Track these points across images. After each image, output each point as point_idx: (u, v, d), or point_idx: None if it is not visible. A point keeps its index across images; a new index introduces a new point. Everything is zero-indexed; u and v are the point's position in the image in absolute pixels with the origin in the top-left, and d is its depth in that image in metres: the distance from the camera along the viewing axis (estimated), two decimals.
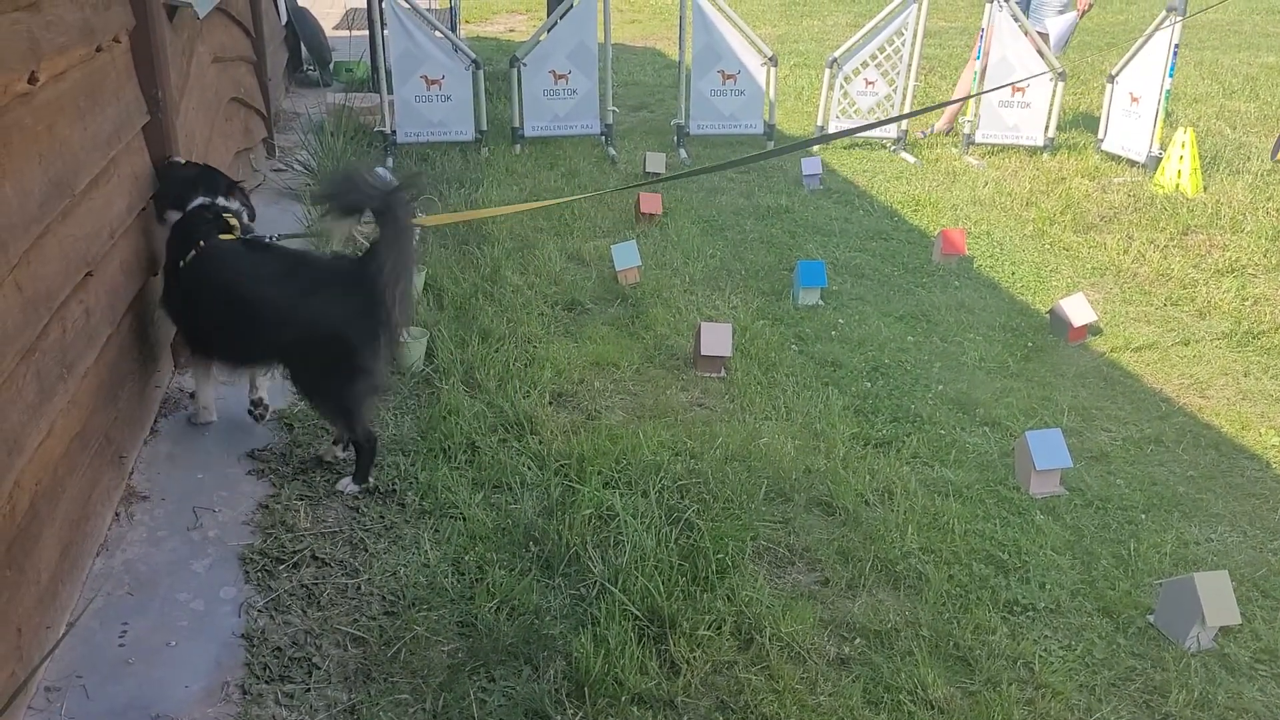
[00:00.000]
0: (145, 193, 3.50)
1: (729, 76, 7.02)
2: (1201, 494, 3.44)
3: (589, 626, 2.69)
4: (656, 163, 6.50)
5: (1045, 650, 2.71)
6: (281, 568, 2.90)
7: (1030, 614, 2.85)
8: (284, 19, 8.09)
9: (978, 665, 2.65)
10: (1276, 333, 4.58)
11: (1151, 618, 2.83)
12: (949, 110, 7.76)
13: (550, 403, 3.80)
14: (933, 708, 2.51)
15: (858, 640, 2.73)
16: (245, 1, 6.07)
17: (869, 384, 4.06)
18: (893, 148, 7.26)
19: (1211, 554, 3.13)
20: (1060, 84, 7.04)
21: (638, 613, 2.72)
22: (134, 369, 3.31)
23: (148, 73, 3.49)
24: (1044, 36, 7.09)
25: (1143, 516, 3.30)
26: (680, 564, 2.90)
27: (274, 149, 6.58)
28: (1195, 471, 3.56)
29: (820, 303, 4.76)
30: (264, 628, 2.68)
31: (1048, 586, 2.95)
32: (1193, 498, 3.41)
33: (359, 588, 2.85)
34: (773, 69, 7.00)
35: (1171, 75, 6.54)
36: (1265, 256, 5.39)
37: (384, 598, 2.81)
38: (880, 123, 7.07)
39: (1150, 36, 6.66)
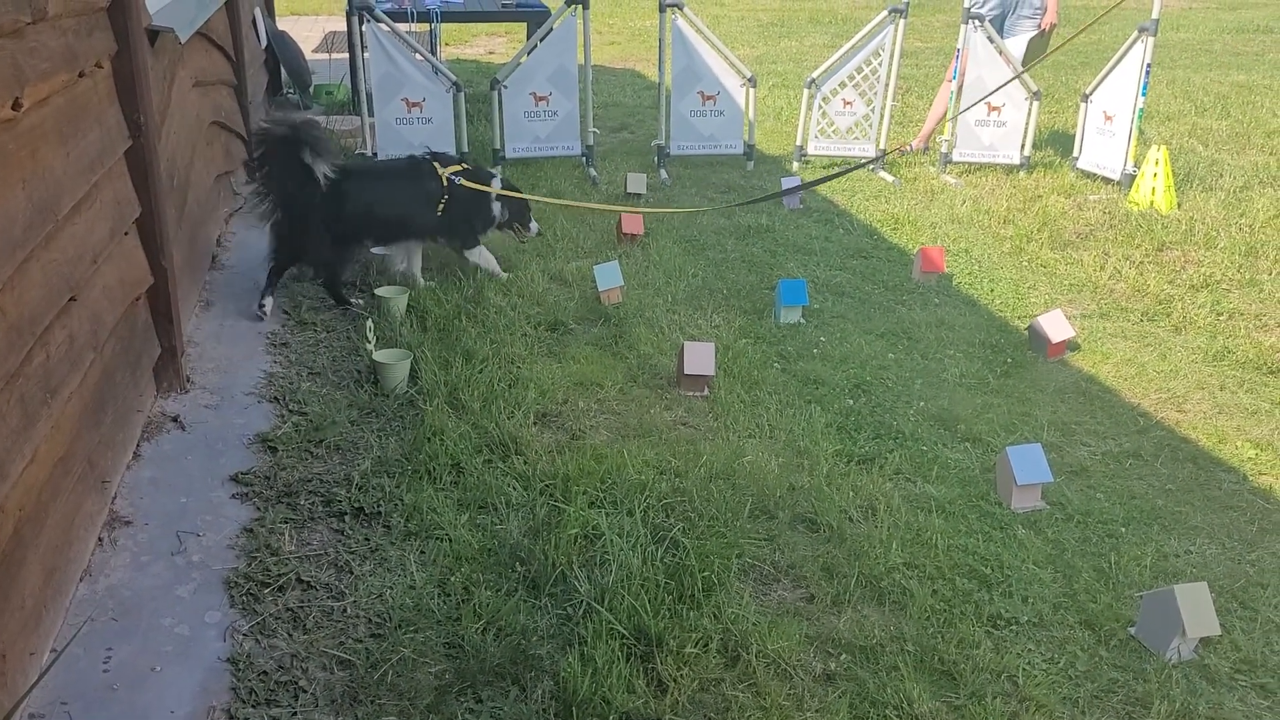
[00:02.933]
0: (128, 217, 3.50)
1: (708, 97, 7.08)
2: (1180, 507, 3.48)
3: (576, 646, 2.70)
4: (638, 183, 6.54)
5: (1029, 663, 2.74)
6: (266, 591, 2.89)
7: (1014, 627, 2.87)
8: (264, 42, 8.11)
9: (962, 679, 2.67)
10: (1251, 346, 4.64)
11: (1133, 630, 2.86)
12: (925, 129, 7.85)
13: (535, 423, 3.81)
14: None
15: (843, 656, 2.74)
16: (226, 26, 6.09)
17: (851, 401, 4.09)
18: (872, 167, 7.33)
19: (1191, 566, 3.17)
20: (1036, 103, 7.14)
21: (624, 631, 2.73)
22: (117, 394, 3.30)
23: (129, 98, 3.50)
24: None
25: (1123, 530, 3.33)
26: (666, 582, 2.91)
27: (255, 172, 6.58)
28: (1174, 485, 3.61)
29: (802, 321, 4.80)
30: (249, 652, 2.67)
31: (1030, 600, 2.97)
32: (1171, 511, 3.45)
33: (345, 610, 2.84)
34: (752, 90, 7.06)
35: (1144, 94, 6.64)
36: (1239, 271, 5.47)
37: (370, 620, 2.81)
38: (861, 164, 7.13)
39: (1123, 56, 6.76)
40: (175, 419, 3.74)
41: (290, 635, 2.75)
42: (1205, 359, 4.55)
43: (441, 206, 4.82)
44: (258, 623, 2.78)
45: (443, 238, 5.02)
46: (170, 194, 4.00)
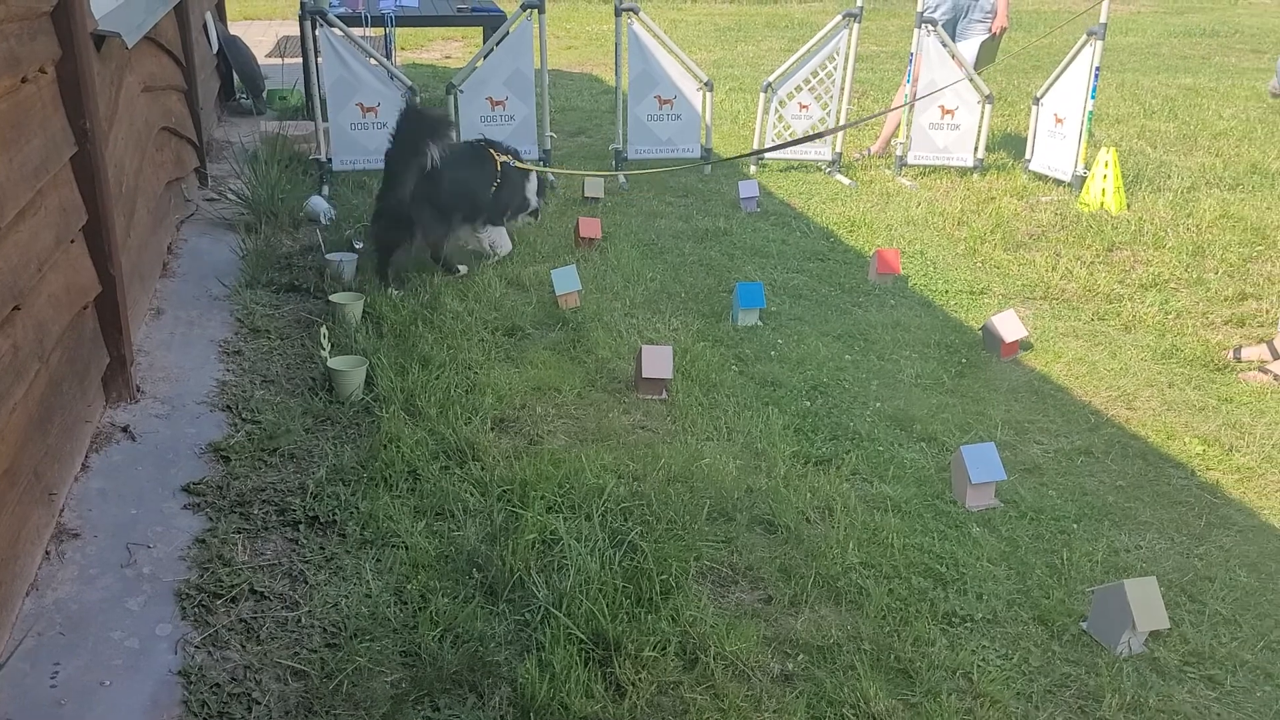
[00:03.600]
0: (74, 224, 3.44)
1: (665, 101, 7.10)
2: (1130, 503, 3.53)
3: (534, 652, 2.69)
4: (595, 187, 6.54)
5: (983, 660, 2.77)
6: (219, 602, 2.85)
7: (968, 625, 2.90)
8: (215, 47, 8.02)
9: (918, 677, 2.69)
10: (1198, 344, 4.73)
11: (1084, 625, 2.90)
12: (884, 134, 7.92)
13: (492, 429, 3.79)
14: None
15: (801, 656, 2.76)
16: (175, 30, 6.02)
17: (808, 403, 4.11)
18: (828, 170, 7.39)
19: (1140, 561, 3.22)
20: (988, 106, 7.23)
21: (583, 636, 2.72)
22: (64, 404, 3.24)
23: (75, 104, 3.44)
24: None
25: (1075, 526, 3.38)
26: (625, 586, 2.91)
27: (206, 178, 6.51)
28: (1124, 481, 3.66)
29: (759, 323, 4.82)
30: (201, 664, 2.64)
31: (985, 597, 3.01)
32: (1122, 506, 3.51)
33: (299, 620, 2.81)
34: (708, 94, 7.09)
35: (1094, 97, 6.75)
36: (1186, 271, 5.57)
37: (325, 630, 2.78)
38: (825, 133, 7.18)
39: (1072, 60, 6.87)
40: (125, 429, 3.68)
41: (243, 646, 2.71)
42: (1154, 357, 4.63)
43: (495, 188, 5.35)
44: (210, 634, 2.74)
45: (483, 217, 5.44)
46: (119, 201, 3.94)
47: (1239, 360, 4.59)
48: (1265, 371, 4.42)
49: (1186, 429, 4.01)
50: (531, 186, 5.69)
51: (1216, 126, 8.90)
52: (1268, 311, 5.05)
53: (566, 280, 4.86)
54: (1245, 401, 4.25)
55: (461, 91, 6.73)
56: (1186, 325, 4.96)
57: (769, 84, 7.23)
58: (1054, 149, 7.10)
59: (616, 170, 7.13)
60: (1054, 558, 3.20)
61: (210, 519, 3.22)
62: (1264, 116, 9.22)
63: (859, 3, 7.00)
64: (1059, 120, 7.02)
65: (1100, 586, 2.91)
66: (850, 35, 7.01)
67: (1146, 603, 2.77)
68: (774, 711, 2.57)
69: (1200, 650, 2.83)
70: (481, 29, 8.73)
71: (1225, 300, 5.23)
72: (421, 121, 5.05)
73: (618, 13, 6.89)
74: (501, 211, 5.51)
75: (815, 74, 7.15)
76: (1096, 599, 2.88)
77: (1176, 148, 8.23)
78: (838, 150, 7.35)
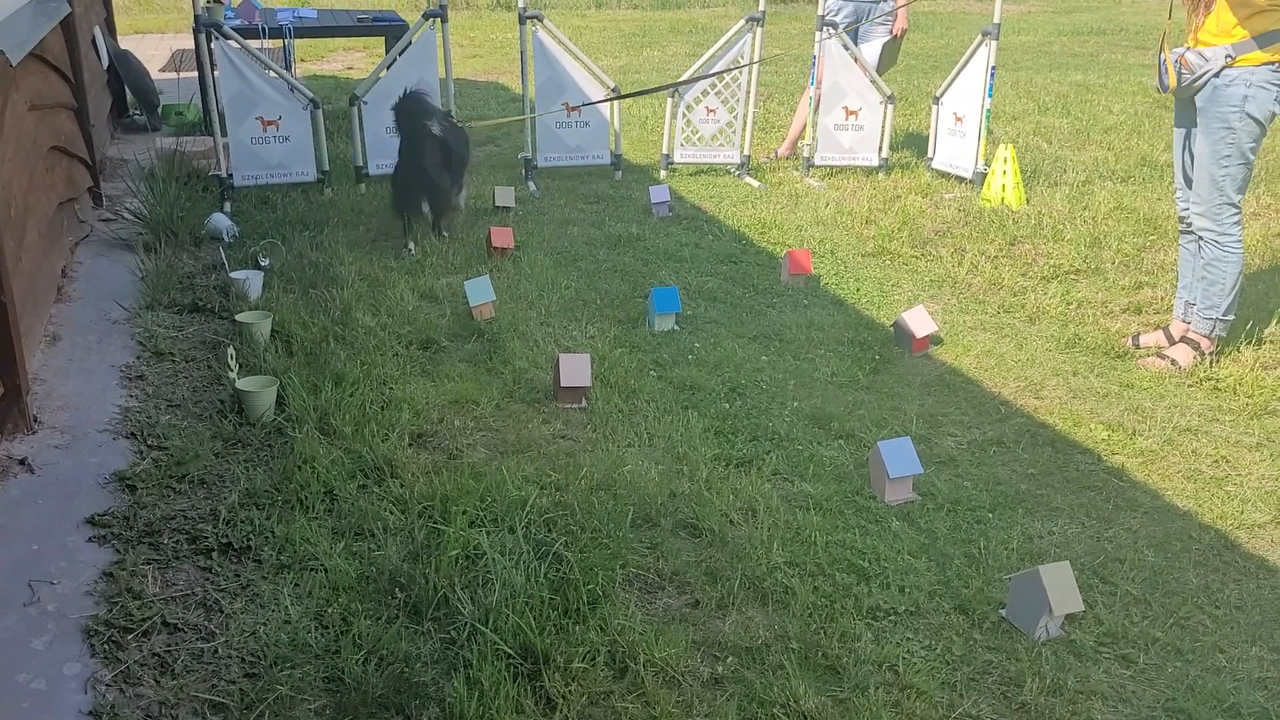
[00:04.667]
0: None
1: (573, 109, 7.08)
2: (1041, 490, 3.63)
3: (461, 670, 2.65)
4: (506, 196, 6.50)
5: (908, 652, 2.81)
6: (130, 637, 2.75)
7: (892, 618, 2.94)
8: (106, 63, 7.76)
9: (846, 672, 2.72)
10: (1099, 333, 4.88)
11: (1003, 612, 2.97)
12: (790, 136, 8.02)
13: (410, 444, 3.73)
14: (805, 718, 2.56)
15: (730, 659, 2.76)
16: (62, 46, 5.80)
17: (727, 405, 4.13)
18: (736, 173, 7.45)
19: (1054, 546, 3.30)
20: (890, 106, 7.37)
21: (510, 651, 2.69)
22: None
23: None
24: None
25: (990, 515, 3.45)
26: (551, 598, 2.88)
27: (101, 198, 6.29)
28: (1035, 469, 3.76)
29: (676, 328, 4.84)
30: (114, 703, 2.53)
31: (907, 590, 3.05)
32: (1034, 494, 3.60)
33: (216, 651, 2.72)
34: (616, 100, 7.09)
35: (990, 95, 6.93)
36: (1085, 262, 5.76)
37: (243, 659, 2.70)
38: None
39: (969, 59, 7.05)
40: (22, 461, 3.53)
41: (158, 682, 2.61)
42: (1058, 347, 4.77)
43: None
44: (121, 671, 2.64)
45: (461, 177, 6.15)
46: (8, 224, 3.78)
47: (1138, 347, 4.76)
48: (1163, 357, 4.58)
49: (1092, 415, 4.14)
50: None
51: (1107, 121, 9.23)
52: (1162, 299, 5.25)
53: (480, 291, 4.81)
54: (1145, 387, 4.40)
55: (365, 103, 6.62)
56: (1087, 315, 5.11)
57: (676, 89, 7.27)
58: (955, 147, 7.27)
59: (527, 180, 7.09)
60: (971, 547, 3.27)
61: (117, 551, 3.11)
62: (1150, 111, 9.59)
63: (761, 7, 7.08)
64: (958, 119, 7.20)
65: (1016, 574, 2.98)
66: (754, 39, 7.08)
67: (1061, 587, 2.85)
68: (705, 716, 2.57)
69: (1114, 631, 2.92)
70: (384, 39, 8.62)
71: (1123, 289, 5.42)
72: (421, 101, 5.80)
73: (522, 20, 6.85)
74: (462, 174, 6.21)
75: (721, 78, 7.21)
76: (1014, 586, 2.95)
77: (1070, 143, 8.51)
78: (746, 153, 7.42)
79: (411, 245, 5.68)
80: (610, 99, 6.94)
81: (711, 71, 7.10)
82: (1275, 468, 3.78)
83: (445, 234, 5.98)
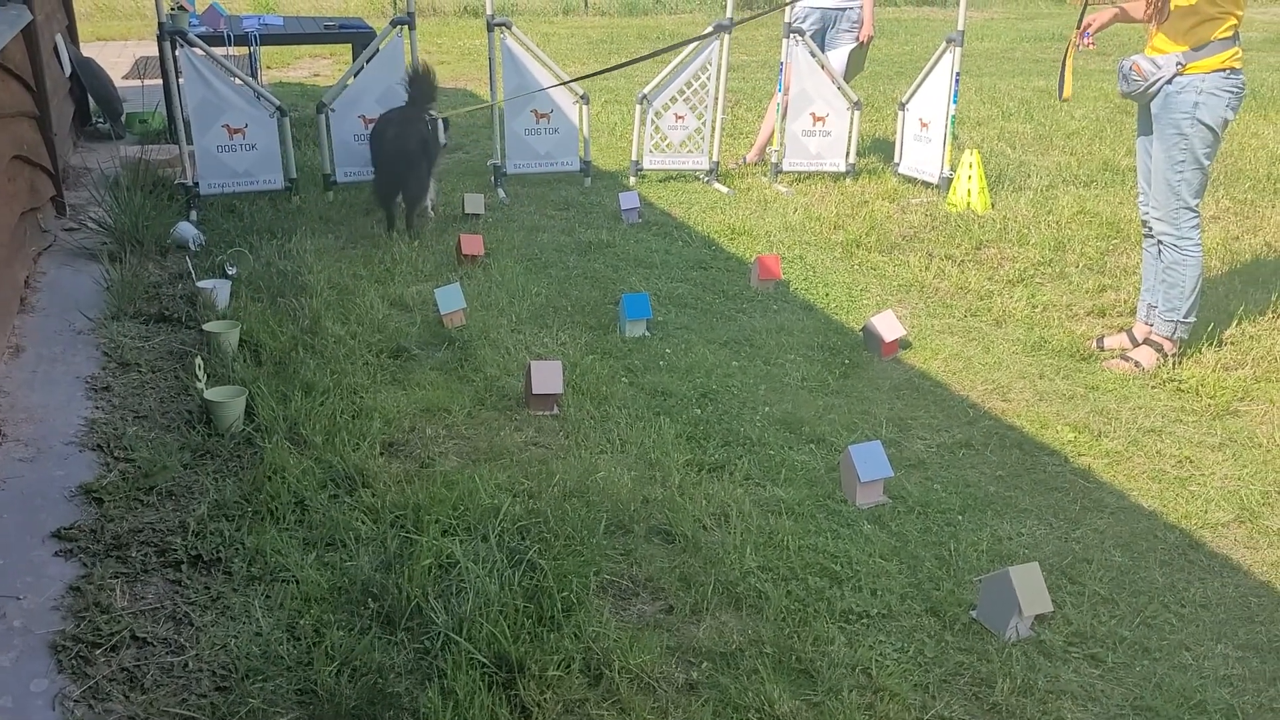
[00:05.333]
0: None
1: (542, 116, 7.09)
2: (1010, 492, 3.67)
3: (435, 680, 2.64)
4: (475, 203, 6.49)
5: (881, 654, 2.83)
6: (98, 652, 2.72)
7: (865, 621, 2.97)
8: (68, 70, 7.67)
9: (819, 676, 2.73)
10: (1064, 335, 4.95)
11: (974, 613, 3.00)
12: (758, 142, 8.06)
13: (381, 454, 3.71)
14: None
15: (704, 664, 2.77)
16: (24, 54, 5.73)
17: (699, 410, 4.15)
18: (706, 179, 7.48)
19: (1023, 548, 3.34)
20: (857, 112, 7.43)
21: (485, 660, 2.69)
22: None
23: None
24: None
25: (960, 518, 3.49)
26: (525, 606, 2.88)
27: (65, 207, 6.21)
28: (1003, 471, 3.80)
29: (647, 334, 4.85)
30: (82, 719, 2.50)
31: (879, 593, 3.08)
32: (1003, 496, 3.64)
33: (186, 665, 2.70)
34: (585, 107, 7.10)
35: (955, 101, 7.01)
36: (1049, 266, 5.83)
37: (214, 673, 2.67)
38: None
39: (934, 66, 7.12)
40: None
41: (127, 697, 2.59)
42: (1025, 349, 4.83)
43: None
44: (90, 687, 2.61)
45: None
46: None
47: (1102, 349, 4.82)
48: (1126, 359, 4.65)
49: (1058, 417, 4.19)
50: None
51: (1069, 127, 9.35)
52: (1125, 301, 5.32)
53: (451, 299, 4.80)
54: (1110, 389, 4.46)
55: (333, 110, 6.59)
56: (1053, 318, 5.18)
57: (644, 96, 7.29)
58: (921, 152, 7.34)
59: (496, 187, 7.08)
60: (942, 549, 3.30)
61: (85, 565, 3.07)
62: (1111, 116, 9.72)
63: (729, 14, 7.12)
64: (924, 124, 7.27)
65: (986, 575, 3.01)
66: (721, 46, 7.12)
67: (1031, 588, 2.88)
68: None
69: (1083, 630, 2.95)
70: (351, 46, 8.58)
71: (1087, 292, 5.49)
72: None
73: (490, 27, 6.85)
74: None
75: (689, 85, 7.24)
76: (984, 587, 2.98)
77: (1034, 148, 8.61)
78: (715, 159, 7.45)
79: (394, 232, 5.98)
80: (572, 80, 6.94)
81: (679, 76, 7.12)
82: (1237, 467, 3.85)
83: (415, 235, 6.05)
